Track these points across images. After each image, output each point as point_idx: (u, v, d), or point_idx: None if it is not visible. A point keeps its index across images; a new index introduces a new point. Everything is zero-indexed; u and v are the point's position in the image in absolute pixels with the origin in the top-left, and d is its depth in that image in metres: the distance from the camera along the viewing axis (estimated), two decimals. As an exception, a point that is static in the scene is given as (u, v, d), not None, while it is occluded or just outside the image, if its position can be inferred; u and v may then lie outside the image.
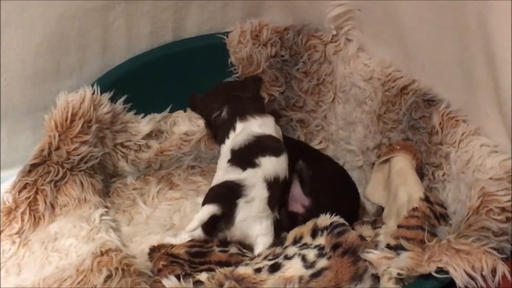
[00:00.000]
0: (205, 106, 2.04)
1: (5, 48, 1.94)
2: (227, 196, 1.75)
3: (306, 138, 2.17)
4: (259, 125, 1.90)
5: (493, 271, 1.47)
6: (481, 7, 1.61)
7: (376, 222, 1.83)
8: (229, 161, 1.85)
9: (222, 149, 1.92)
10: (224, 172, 1.83)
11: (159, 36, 2.16)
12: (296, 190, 1.90)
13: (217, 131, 1.99)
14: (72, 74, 2.08)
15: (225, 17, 2.19)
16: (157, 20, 2.13)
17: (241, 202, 1.74)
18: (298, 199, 1.89)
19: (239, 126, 1.91)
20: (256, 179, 1.78)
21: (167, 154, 2.14)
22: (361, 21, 2.05)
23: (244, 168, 1.81)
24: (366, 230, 1.78)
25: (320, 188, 1.90)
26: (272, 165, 1.82)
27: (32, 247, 1.80)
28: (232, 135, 1.91)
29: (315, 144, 2.15)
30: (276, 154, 1.84)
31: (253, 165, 1.81)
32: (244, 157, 1.83)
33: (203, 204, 1.75)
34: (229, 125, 1.92)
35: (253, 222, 1.75)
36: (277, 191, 1.82)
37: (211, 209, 1.71)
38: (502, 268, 1.48)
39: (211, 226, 1.75)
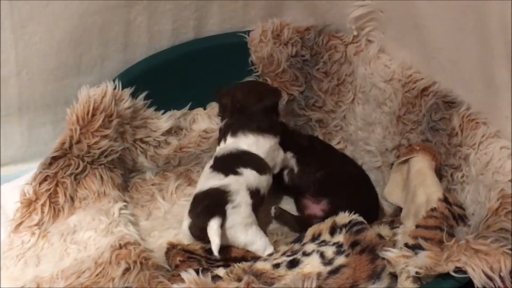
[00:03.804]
0: (220, 108, 2.05)
1: (28, 43, 1.96)
2: (219, 204, 1.76)
3: (324, 138, 2.18)
4: (248, 144, 1.90)
5: (511, 272, 1.47)
6: (503, 9, 1.61)
7: (394, 222, 1.84)
8: (211, 167, 1.87)
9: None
10: (206, 179, 1.85)
11: (181, 34, 2.17)
12: (314, 197, 1.93)
13: (219, 131, 2.01)
14: (93, 70, 2.09)
15: (246, 16, 2.20)
16: (179, 18, 2.14)
17: (229, 208, 1.75)
18: (317, 205, 1.90)
19: (229, 139, 1.92)
20: (239, 186, 1.80)
21: (186, 151, 2.15)
22: (383, 22, 2.05)
23: (226, 174, 1.83)
24: (384, 230, 1.78)
25: (337, 189, 1.91)
26: (254, 178, 1.84)
27: (51, 239, 1.82)
28: (222, 144, 1.93)
29: (333, 145, 2.16)
30: (259, 170, 1.86)
31: (235, 172, 1.83)
32: (227, 164, 1.86)
33: (190, 213, 1.78)
34: (223, 135, 1.94)
35: (239, 231, 1.76)
36: (258, 203, 1.84)
37: (218, 222, 1.72)
38: (520, 269, 1.47)
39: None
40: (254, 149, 1.89)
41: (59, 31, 1.99)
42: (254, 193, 1.83)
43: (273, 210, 1.94)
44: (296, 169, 1.98)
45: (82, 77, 2.07)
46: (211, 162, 1.92)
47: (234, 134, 1.91)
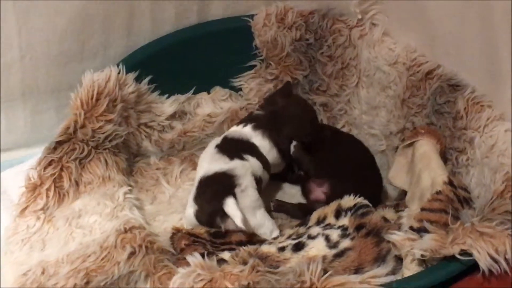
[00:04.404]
0: (270, 97, 2.05)
1: (31, 29, 1.96)
2: (227, 188, 1.75)
3: (329, 122, 2.18)
4: (261, 145, 1.90)
5: (517, 255, 1.47)
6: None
7: (399, 205, 1.84)
8: (217, 146, 1.87)
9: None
10: (210, 161, 1.84)
11: (184, 19, 2.16)
12: (319, 182, 1.93)
13: (248, 115, 2.02)
14: (96, 56, 2.09)
15: (250, 0, 2.18)
16: (182, 2, 2.13)
17: (238, 192, 1.75)
18: (321, 189, 1.90)
19: (248, 128, 1.92)
20: (245, 171, 1.80)
21: (190, 135, 2.15)
22: (387, 5, 2.05)
23: (231, 157, 1.82)
24: (389, 213, 1.78)
25: (338, 171, 1.91)
26: (258, 167, 1.85)
27: (57, 224, 1.82)
28: (239, 127, 1.93)
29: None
30: (263, 165, 1.87)
31: (241, 158, 1.83)
32: (234, 148, 1.86)
33: (197, 199, 1.78)
34: (247, 121, 1.94)
35: (248, 214, 1.75)
36: (259, 191, 1.83)
37: (233, 200, 1.72)
38: (526, 251, 1.47)
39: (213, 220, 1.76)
40: (264, 152, 1.90)
41: (62, 18, 1.98)
42: (258, 181, 1.83)
43: (271, 204, 1.93)
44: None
45: (85, 63, 2.07)
46: (216, 141, 1.91)
47: (255, 128, 1.91)
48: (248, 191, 1.77)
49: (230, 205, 1.71)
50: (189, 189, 1.99)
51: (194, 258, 1.53)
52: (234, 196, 1.74)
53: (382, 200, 1.98)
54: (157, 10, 2.11)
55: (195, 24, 2.19)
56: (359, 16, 2.10)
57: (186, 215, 1.83)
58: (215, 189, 1.77)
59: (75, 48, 2.05)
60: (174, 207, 1.97)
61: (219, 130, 2.15)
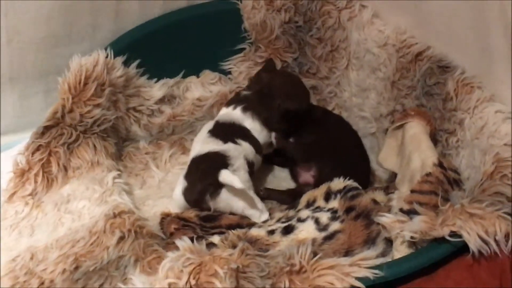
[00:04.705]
0: (255, 75, 2.03)
1: (17, 12, 1.95)
2: (219, 166, 1.74)
3: (319, 105, 2.15)
4: (252, 128, 1.89)
5: (507, 236, 1.47)
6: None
7: (389, 188, 1.83)
8: (210, 131, 1.86)
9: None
10: (203, 143, 1.83)
11: (173, 1, 2.15)
12: (308, 165, 1.92)
13: (234, 95, 2.00)
14: (84, 39, 2.07)
15: (239, -18, 2.17)
16: (171, -16, 2.11)
17: (230, 171, 1.73)
18: (310, 172, 1.89)
19: (237, 111, 1.90)
20: (238, 154, 1.79)
21: (180, 119, 2.14)
22: (375, -14, 2.03)
23: (225, 141, 1.81)
24: (379, 196, 1.77)
25: (324, 154, 1.90)
26: (251, 151, 1.84)
27: (45, 209, 1.81)
28: (230, 109, 1.91)
29: (326, 111, 2.14)
30: (256, 149, 1.86)
31: (234, 142, 1.82)
32: (227, 133, 1.84)
33: (187, 176, 1.77)
34: (236, 102, 1.92)
35: (237, 193, 1.74)
36: (251, 174, 1.82)
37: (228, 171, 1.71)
38: (516, 233, 1.47)
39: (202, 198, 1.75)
40: (255, 134, 1.89)
41: (48, 0, 1.96)
42: (250, 164, 1.82)
43: (260, 192, 1.90)
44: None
45: (73, 46, 2.05)
46: (209, 125, 1.90)
47: (244, 111, 1.90)
48: (240, 172, 1.76)
49: (225, 173, 1.71)
50: (178, 173, 1.99)
51: (183, 242, 1.52)
52: None
53: (373, 183, 1.97)
54: (145, -8, 2.09)
55: (184, 7, 2.16)
56: (348, -3, 2.08)
57: (174, 196, 1.82)
58: (207, 166, 1.76)
59: (63, 31, 2.04)
60: (163, 192, 1.97)
61: (208, 113, 2.14)
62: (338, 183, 1.70)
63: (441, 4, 1.83)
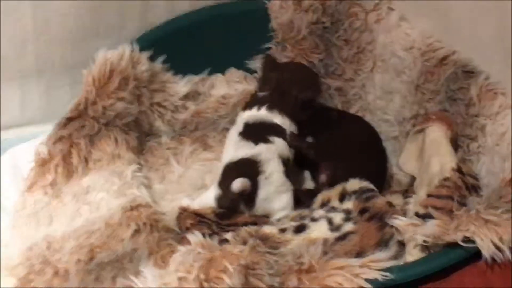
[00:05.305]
0: (263, 77, 2.02)
1: (46, 4, 1.97)
2: (249, 175, 1.72)
3: (343, 107, 2.14)
4: (281, 122, 1.87)
5: (522, 244, 1.45)
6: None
7: (408, 191, 1.82)
8: (240, 133, 1.84)
9: (238, 118, 1.92)
10: (236, 147, 1.81)
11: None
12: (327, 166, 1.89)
13: (250, 98, 1.98)
14: (111, 33, 2.08)
15: (268, -18, 2.17)
16: (200, -17, 2.12)
17: (261, 180, 1.72)
18: (321, 171, 1.88)
19: (263, 111, 1.88)
20: (270, 155, 1.76)
21: (204, 116, 2.14)
22: (404, -11, 2.02)
23: (256, 142, 1.79)
24: (397, 199, 1.77)
25: (338, 154, 1.88)
26: (285, 147, 1.82)
27: (64, 199, 1.81)
28: (254, 111, 1.89)
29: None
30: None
31: (267, 140, 1.80)
32: (258, 132, 1.82)
33: (221, 184, 1.75)
34: (259, 104, 1.90)
35: (274, 198, 1.73)
36: (290, 170, 1.81)
37: (246, 181, 1.70)
38: (531, 241, 1.45)
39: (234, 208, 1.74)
40: (286, 128, 1.87)
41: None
42: (286, 161, 1.80)
43: None
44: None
45: (100, 40, 2.06)
46: (238, 127, 1.88)
47: (270, 109, 1.88)
48: (272, 177, 1.74)
49: (237, 181, 1.69)
50: (199, 170, 2.00)
51: (195, 237, 1.53)
52: (256, 186, 1.72)
53: (392, 186, 1.95)
54: (174, -12, 2.10)
55: (212, 5, 2.17)
56: (376, 0, 2.07)
57: (204, 197, 1.80)
58: (238, 175, 1.73)
59: (91, 25, 2.05)
60: (182, 187, 1.97)
61: (232, 111, 2.13)
62: (353, 184, 1.69)
63: (468, 9, 1.82)
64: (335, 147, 1.89)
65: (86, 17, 2.04)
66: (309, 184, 1.94)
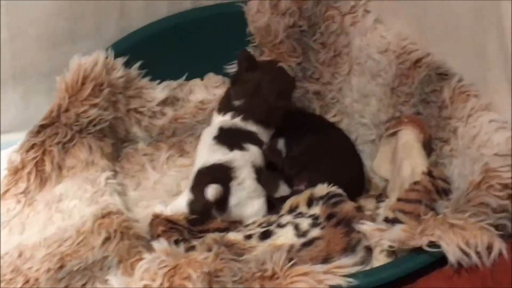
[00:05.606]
0: (239, 78, 1.98)
1: (19, 8, 1.95)
2: (222, 181, 1.71)
3: (321, 111, 2.12)
4: (256, 130, 1.87)
5: (489, 248, 1.43)
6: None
7: (381, 196, 1.80)
8: (215, 138, 1.83)
9: (213, 119, 1.92)
10: (210, 151, 1.80)
11: (178, 3, 2.15)
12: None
13: (225, 99, 1.95)
14: (88, 38, 2.07)
15: (245, -14, 2.16)
16: (176, -14, 2.11)
17: (234, 185, 1.72)
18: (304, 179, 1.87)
19: (238, 118, 1.87)
20: (244, 162, 1.76)
21: (181, 122, 2.13)
22: (380, -10, 2.01)
23: (231, 148, 1.79)
24: (370, 204, 1.75)
25: (318, 161, 1.87)
26: (259, 155, 1.81)
27: (37, 207, 1.81)
28: (227, 116, 1.88)
29: (330, 117, 2.11)
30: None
31: (241, 148, 1.79)
32: (233, 138, 1.82)
33: (194, 189, 1.74)
34: (235, 112, 1.88)
35: (246, 204, 1.73)
36: (264, 177, 1.81)
37: (219, 188, 1.69)
38: (499, 245, 1.44)
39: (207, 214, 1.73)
40: (261, 137, 1.87)
41: (50, -1, 1.97)
42: (258, 170, 1.80)
43: None
44: (284, 150, 1.94)
45: (77, 45, 2.05)
46: (212, 131, 1.87)
47: (245, 119, 1.87)
48: (245, 183, 1.74)
49: (211, 187, 1.68)
50: (174, 176, 1.99)
51: (160, 245, 1.52)
52: (227, 191, 1.71)
53: (369, 190, 1.93)
54: (150, -8, 2.09)
55: (189, 9, 2.16)
56: (352, 3, 2.06)
57: (176, 203, 1.79)
58: (209, 180, 1.73)
59: (66, 30, 2.04)
60: (158, 193, 1.96)
61: (210, 117, 2.11)
62: (321, 189, 1.68)
63: (441, 9, 1.79)
64: (311, 155, 1.88)
65: (62, 23, 2.03)
66: (284, 190, 1.93)
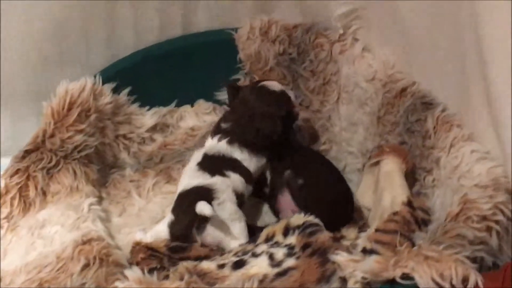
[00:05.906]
0: (229, 106, 2.01)
1: (7, 33, 1.97)
2: (203, 199, 1.70)
3: (311, 139, 2.11)
4: (242, 158, 1.86)
5: (465, 281, 1.41)
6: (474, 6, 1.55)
7: (364, 225, 1.78)
8: (198, 164, 1.83)
9: (205, 143, 1.92)
10: (191, 176, 1.80)
11: (168, 30, 2.15)
12: (285, 199, 1.87)
13: (216, 124, 1.96)
14: (76, 63, 2.08)
15: (235, 13, 2.16)
16: (166, 13, 2.12)
17: (214, 205, 1.70)
18: (289, 207, 1.85)
19: (223, 143, 1.87)
20: (225, 187, 1.76)
21: (171, 148, 2.13)
22: (368, 20, 2.00)
23: (212, 174, 1.79)
24: (351, 233, 1.73)
25: (312, 198, 1.85)
26: (240, 183, 1.81)
27: (20, 233, 1.80)
28: (214, 141, 1.88)
29: (319, 146, 2.10)
30: (246, 179, 1.83)
31: (223, 174, 1.79)
32: (215, 165, 1.82)
33: (174, 210, 1.75)
34: (222, 135, 1.89)
35: (224, 228, 1.72)
36: (241, 204, 1.79)
37: (208, 207, 1.68)
38: (474, 277, 1.41)
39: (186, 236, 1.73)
40: (246, 164, 1.86)
41: (39, 22, 1.99)
42: (239, 196, 1.79)
43: None
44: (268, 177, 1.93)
45: (66, 70, 2.06)
46: (197, 157, 1.87)
47: (231, 143, 1.87)
48: (226, 205, 1.74)
49: (201, 204, 1.68)
50: (160, 203, 1.99)
51: (133, 273, 1.51)
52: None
53: (357, 220, 1.91)
54: (139, 19, 2.10)
55: (179, 36, 2.16)
56: (341, 31, 2.05)
57: (157, 229, 1.79)
58: (192, 199, 1.73)
59: (54, 55, 2.06)
60: (142, 220, 1.95)
61: (200, 143, 2.11)
62: (297, 218, 1.66)
63: (426, 38, 1.79)
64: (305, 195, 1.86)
65: (51, 48, 2.04)
66: (269, 216, 1.92)
